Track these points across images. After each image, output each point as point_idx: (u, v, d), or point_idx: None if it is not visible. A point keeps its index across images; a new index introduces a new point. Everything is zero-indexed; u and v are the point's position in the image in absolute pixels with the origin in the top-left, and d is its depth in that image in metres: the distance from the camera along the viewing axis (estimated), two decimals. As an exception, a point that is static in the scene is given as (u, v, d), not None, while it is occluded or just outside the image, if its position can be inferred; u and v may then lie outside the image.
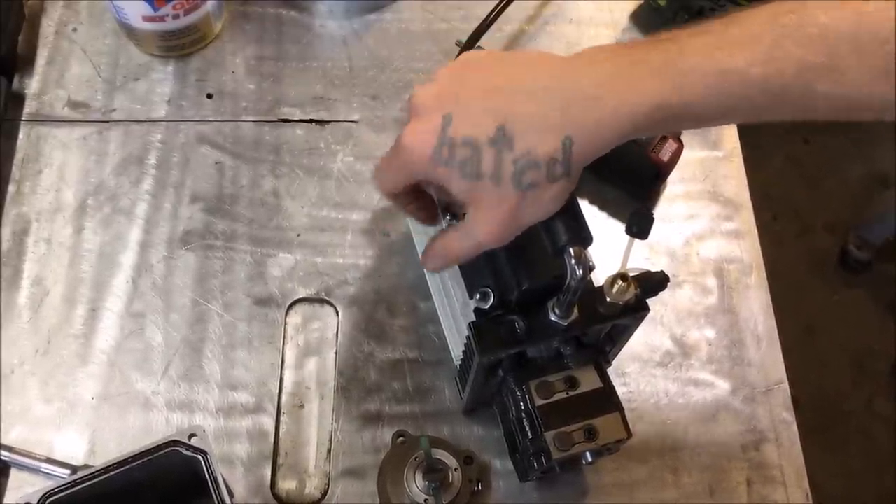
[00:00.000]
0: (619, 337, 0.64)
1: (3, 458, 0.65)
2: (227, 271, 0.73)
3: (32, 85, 0.81)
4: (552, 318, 0.57)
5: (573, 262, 0.52)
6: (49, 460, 0.64)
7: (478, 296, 0.59)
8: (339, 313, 0.72)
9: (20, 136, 0.78)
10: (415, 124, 0.52)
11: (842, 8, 0.45)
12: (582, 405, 0.60)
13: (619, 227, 0.75)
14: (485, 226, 0.52)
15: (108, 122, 0.80)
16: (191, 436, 0.54)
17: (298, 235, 0.75)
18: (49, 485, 0.52)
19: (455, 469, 0.63)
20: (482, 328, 0.57)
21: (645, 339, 0.73)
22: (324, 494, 0.66)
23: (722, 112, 0.48)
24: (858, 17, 0.45)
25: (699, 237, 0.78)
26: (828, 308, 1.89)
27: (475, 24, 0.79)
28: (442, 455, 0.63)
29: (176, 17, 0.78)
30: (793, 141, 2.06)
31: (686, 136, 0.78)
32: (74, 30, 0.84)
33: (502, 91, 0.50)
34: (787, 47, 0.45)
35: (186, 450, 0.54)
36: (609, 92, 0.47)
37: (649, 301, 0.59)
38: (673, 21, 0.85)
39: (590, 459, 0.61)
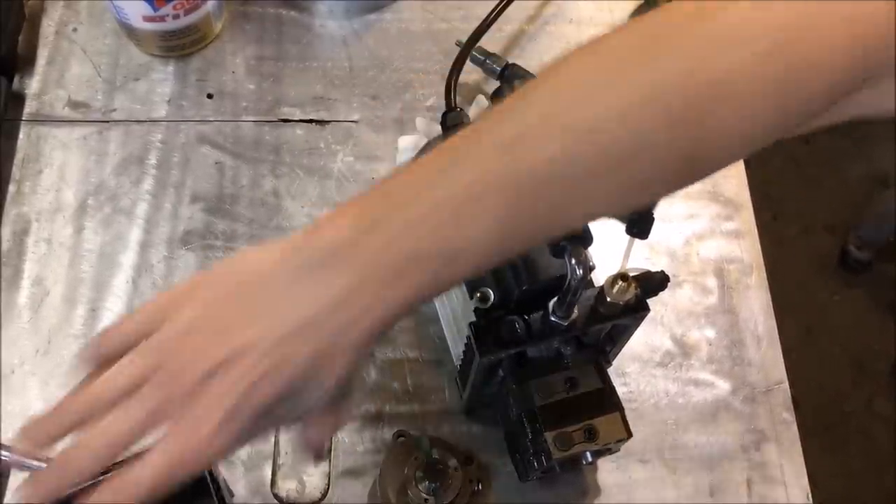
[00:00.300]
0: (619, 337, 0.64)
1: (3, 458, 0.64)
2: (228, 271, 0.73)
3: (32, 85, 0.81)
4: (552, 318, 0.57)
5: (573, 262, 0.52)
6: (49, 460, 0.64)
7: (478, 296, 0.59)
8: (339, 313, 0.72)
9: (20, 136, 0.78)
10: (209, 407, 0.40)
11: (516, 159, 0.38)
12: (582, 405, 0.60)
13: (619, 227, 0.74)
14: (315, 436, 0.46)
15: (108, 122, 0.80)
16: (191, 436, 0.54)
17: (298, 235, 0.75)
18: (49, 485, 0.52)
19: (455, 469, 0.63)
20: (482, 328, 0.57)
21: (645, 339, 0.73)
22: (324, 494, 0.66)
23: (476, 273, 0.42)
24: (512, 161, 0.38)
25: (699, 237, 0.78)
26: (828, 308, 1.89)
27: (475, 24, 0.79)
28: (442, 455, 0.63)
29: (176, 17, 0.78)
30: (793, 141, 2.06)
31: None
32: (74, 30, 0.84)
33: (281, 336, 0.40)
34: (518, 204, 0.39)
35: (186, 450, 0.54)
36: (359, 314, 0.40)
37: (649, 301, 0.59)
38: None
39: (590, 459, 0.61)
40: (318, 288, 0.40)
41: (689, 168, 0.42)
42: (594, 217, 0.42)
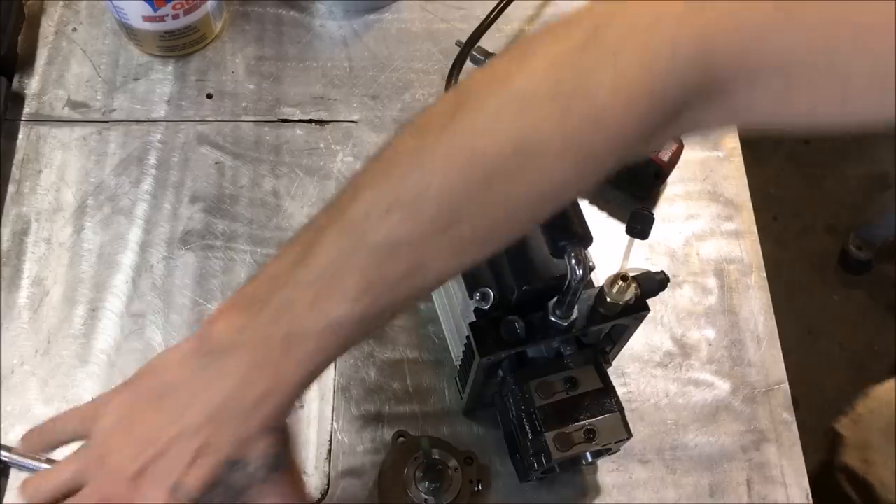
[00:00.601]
0: (619, 337, 0.64)
1: (3, 458, 0.64)
2: (227, 271, 0.73)
3: (32, 85, 0.81)
4: (552, 318, 0.57)
5: (573, 262, 0.52)
6: (49, 461, 0.64)
7: (478, 296, 0.59)
8: (339, 313, 0.72)
9: (20, 136, 0.78)
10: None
11: (361, 237, 0.42)
12: (582, 405, 0.60)
13: (619, 227, 0.75)
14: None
15: (108, 122, 0.80)
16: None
17: (298, 235, 0.75)
18: (49, 485, 0.52)
19: (455, 469, 0.63)
20: (482, 328, 0.57)
21: (645, 339, 0.73)
22: (324, 494, 0.66)
23: (359, 342, 0.46)
24: (358, 239, 0.42)
25: (699, 237, 0.78)
26: (828, 308, 1.89)
27: (475, 24, 0.79)
28: (442, 455, 0.63)
29: (176, 17, 0.78)
30: (793, 141, 2.06)
31: (686, 137, 0.78)
32: (74, 30, 0.84)
33: (198, 426, 0.44)
34: (373, 278, 0.43)
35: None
36: (263, 392, 0.44)
37: (649, 301, 0.59)
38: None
39: (590, 459, 0.61)
40: (220, 378, 0.45)
41: (504, 231, 0.45)
42: (443, 275, 0.45)
